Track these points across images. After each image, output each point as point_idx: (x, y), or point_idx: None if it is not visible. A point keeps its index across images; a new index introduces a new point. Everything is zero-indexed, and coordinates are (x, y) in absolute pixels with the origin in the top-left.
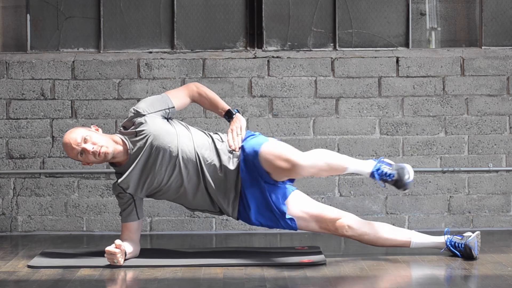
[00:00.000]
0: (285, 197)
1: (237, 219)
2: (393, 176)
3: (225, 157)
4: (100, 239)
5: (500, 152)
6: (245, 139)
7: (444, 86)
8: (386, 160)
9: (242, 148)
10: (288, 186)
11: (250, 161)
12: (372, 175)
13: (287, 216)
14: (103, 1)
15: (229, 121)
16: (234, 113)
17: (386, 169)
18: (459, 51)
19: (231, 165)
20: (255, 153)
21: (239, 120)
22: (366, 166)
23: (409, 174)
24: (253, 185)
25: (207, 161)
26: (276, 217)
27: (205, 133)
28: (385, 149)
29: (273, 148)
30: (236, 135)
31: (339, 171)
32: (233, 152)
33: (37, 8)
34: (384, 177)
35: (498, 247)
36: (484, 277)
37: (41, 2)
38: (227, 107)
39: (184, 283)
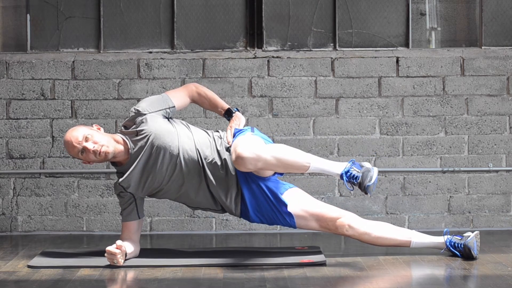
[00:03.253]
0: (282, 190)
1: (240, 217)
2: (358, 179)
3: (225, 154)
4: (100, 239)
5: (500, 152)
6: (235, 135)
7: (444, 86)
8: (361, 163)
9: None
10: (284, 182)
11: None
12: (341, 176)
13: (288, 209)
14: (103, 1)
15: (229, 120)
16: (234, 111)
17: (355, 171)
18: (459, 51)
19: (231, 162)
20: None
21: (238, 118)
22: (335, 167)
23: (372, 178)
24: (248, 181)
25: (208, 159)
26: (274, 211)
27: (206, 132)
28: (385, 149)
29: (236, 141)
30: None
31: (298, 169)
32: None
33: (37, 8)
34: (351, 180)
35: (498, 247)
36: (484, 277)
37: (41, 2)
38: (226, 106)
39: (184, 283)
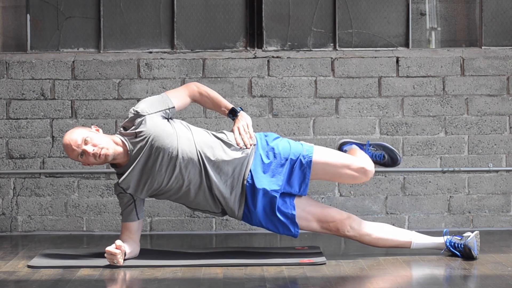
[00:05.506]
0: (292, 198)
1: (241, 219)
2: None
3: (231, 154)
4: (100, 239)
5: (500, 152)
6: (273, 139)
7: (444, 86)
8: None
9: (272, 149)
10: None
11: (284, 164)
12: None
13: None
14: (103, 1)
15: (233, 120)
16: (238, 111)
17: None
18: (459, 51)
19: (238, 162)
20: (305, 160)
21: (244, 118)
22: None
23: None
24: (266, 186)
25: (211, 160)
26: (281, 220)
27: (207, 132)
28: None
29: (335, 158)
30: (244, 133)
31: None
32: (242, 149)
33: (37, 8)
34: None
35: (498, 247)
36: (484, 277)
37: (41, 2)
38: (230, 105)
39: (184, 283)
